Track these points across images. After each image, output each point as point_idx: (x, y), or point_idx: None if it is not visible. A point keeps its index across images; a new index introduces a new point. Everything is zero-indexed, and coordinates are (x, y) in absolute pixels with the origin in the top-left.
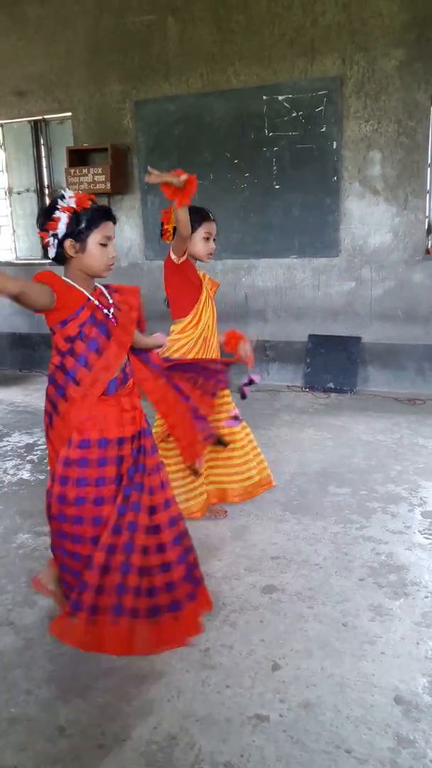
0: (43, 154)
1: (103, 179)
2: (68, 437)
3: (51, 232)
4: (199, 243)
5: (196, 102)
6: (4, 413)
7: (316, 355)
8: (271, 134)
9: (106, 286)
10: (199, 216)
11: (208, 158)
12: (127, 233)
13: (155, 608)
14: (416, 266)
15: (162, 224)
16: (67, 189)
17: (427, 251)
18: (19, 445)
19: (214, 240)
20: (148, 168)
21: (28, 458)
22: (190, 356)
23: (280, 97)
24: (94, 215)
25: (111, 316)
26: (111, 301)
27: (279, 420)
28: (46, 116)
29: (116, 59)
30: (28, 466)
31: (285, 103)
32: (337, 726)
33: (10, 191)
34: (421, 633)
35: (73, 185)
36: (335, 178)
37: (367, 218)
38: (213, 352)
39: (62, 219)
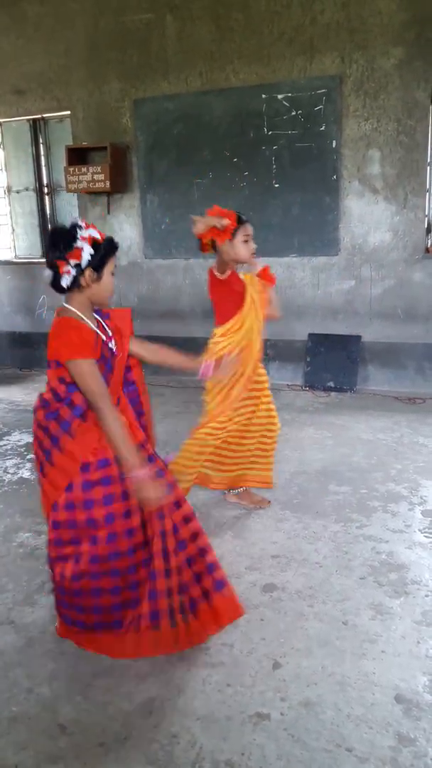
0: (42, 152)
1: (102, 178)
2: (73, 470)
3: (73, 262)
4: (240, 247)
5: (195, 100)
6: (4, 412)
7: (316, 354)
8: (270, 133)
9: (97, 311)
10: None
11: (207, 157)
12: (126, 232)
13: (191, 602)
14: (416, 265)
15: (200, 240)
16: (78, 219)
17: (427, 250)
18: (20, 444)
19: (252, 240)
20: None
21: (28, 457)
22: (233, 340)
23: (280, 96)
24: (107, 246)
25: (113, 349)
26: (109, 333)
27: (279, 419)
28: (45, 115)
29: (115, 58)
30: (29, 465)
31: (284, 102)
32: (338, 724)
33: (9, 190)
34: (422, 632)
35: (72, 184)
36: (334, 176)
37: (367, 217)
38: (254, 355)
39: (85, 249)
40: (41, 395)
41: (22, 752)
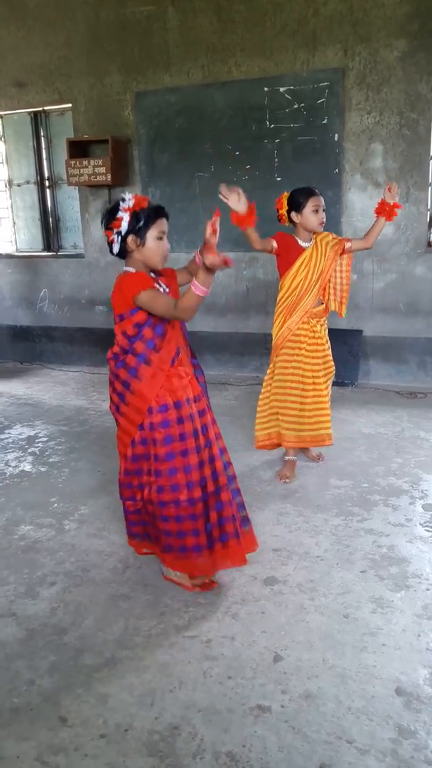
0: (43, 145)
1: (104, 171)
2: (145, 408)
3: (115, 230)
4: (310, 216)
5: (196, 93)
6: (5, 406)
7: None
8: (272, 126)
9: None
10: (305, 193)
11: (209, 150)
12: None
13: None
14: (418, 259)
15: (277, 210)
16: (127, 193)
17: (429, 244)
18: (21, 437)
19: (323, 210)
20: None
21: (29, 450)
22: (285, 303)
23: (282, 89)
24: (150, 213)
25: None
26: (165, 288)
27: None
28: (46, 107)
29: (116, 50)
30: (30, 458)
31: (286, 95)
32: (339, 717)
33: (10, 183)
34: (422, 625)
35: (73, 177)
36: (337, 170)
37: (369, 210)
38: (304, 307)
39: (125, 218)
40: (111, 348)
41: (23, 743)
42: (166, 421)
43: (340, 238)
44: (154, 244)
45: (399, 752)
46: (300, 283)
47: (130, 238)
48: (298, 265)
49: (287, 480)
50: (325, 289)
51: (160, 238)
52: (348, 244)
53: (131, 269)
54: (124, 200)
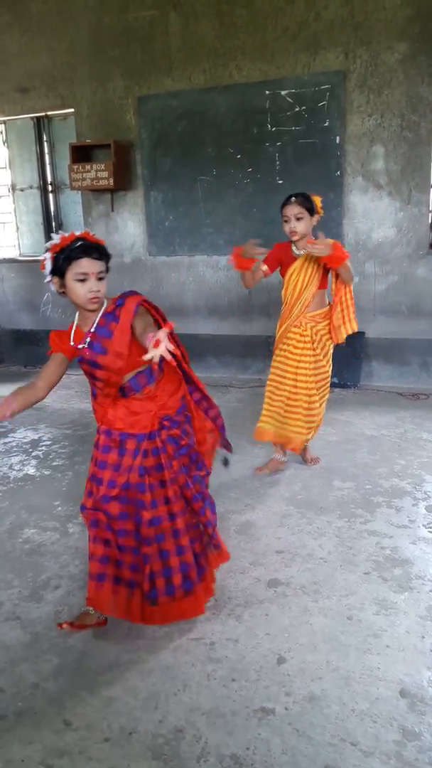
0: (46, 150)
1: (106, 175)
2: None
3: (44, 272)
4: (283, 225)
5: (198, 97)
6: None
7: None
8: (273, 129)
9: (121, 298)
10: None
11: (211, 153)
12: (130, 229)
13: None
14: (420, 261)
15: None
16: (59, 233)
17: (431, 246)
18: (25, 441)
19: (298, 219)
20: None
21: (33, 454)
22: (282, 311)
23: (283, 92)
24: (69, 253)
25: (100, 345)
26: (104, 327)
27: None
28: (48, 112)
29: (119, 55)
30: (34, 462)
31: (288, 98)
32: (343, 719)
33: (13, 188)
34: (426, 627)
35: (76, 181)
36: (338, 172)
37: (371, 213)
38: (296, 314)
39: (47, 260)
40: None
41: (28, 747)
42: (106, 446)
43: (337, 248)
44: (74, 287)
45: (403, 754)
46: (291, 293)
47: (54, 281)
48: (288, 274)
49: (259, 472)
50: (332, 310)
51: (81, 281)
52: (331, 264)
53: (76, 314)
54: (52, 238)
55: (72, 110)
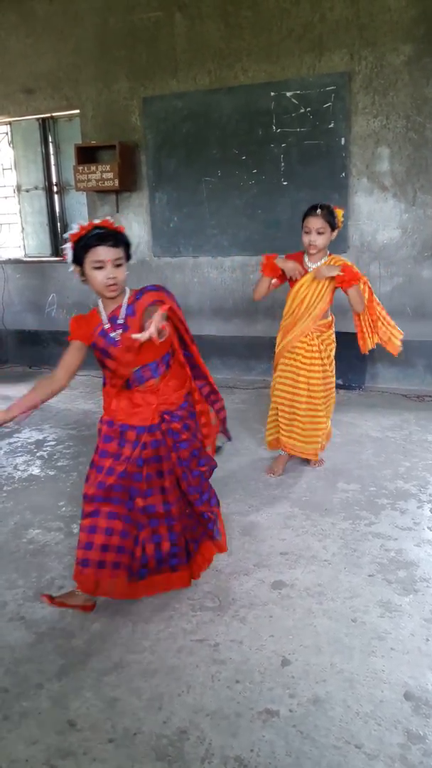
0: (51, 151)
1: (111, 176)
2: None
3: (66, 261)
4: (303, 237)
5: (203, 98)
6: None
7: None
8: (278, 130)
9: (141, 291)
10: (305, 212)
11: (216, 155)
12: (135, 230)
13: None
14: (425, 262)
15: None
16: (77, 222)
17: None
18: (29, 441)
19: (319, 233)
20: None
21: (38, 454)
22: (285, 322)
23: (288, 93)
24: (86, 241)
25: (115, 337)
26: (124, 316)
27: None
28: (54, 114)
29: (124, 56)
30: (38, 462)
31: (293, 99)
32: (347, 721)
33: (18, 189)
34: (431, 629)
35: (81, 182)
36: (343, 174)
37: (376, 214)
38: (301, 328)
39: (68, 248)
40: None
41: (32, 747)
42: (107, 436)
43: (348, 270)
44: (93, 274)
45: (408, 758)
46: (298, 306)
47: (75, 269)
48: (297, 286)
49: (273, 474)
50: (360, 328)
51: (98, 268)
52: (342, 285)
53: (99, 299)
54: (72, 228)
55: (77, 111)
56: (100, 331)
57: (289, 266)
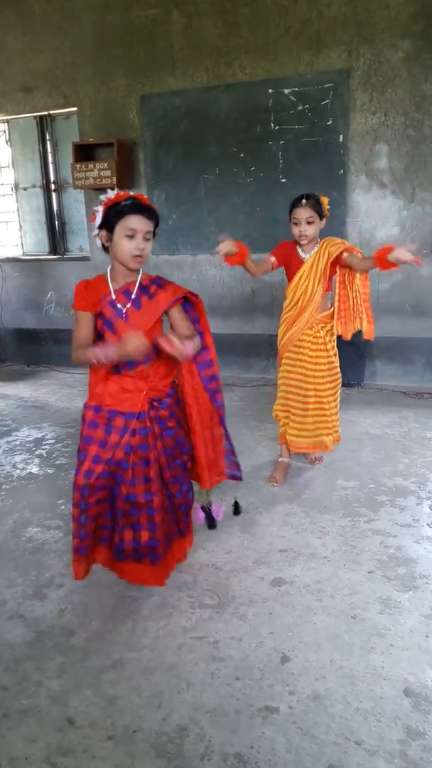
0: (49, 149)
1: (109, 174)
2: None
3: (93, 224)
4: (292, 228)
5: (201, 96)
6: (12, 408)
7: None
8: (277, 128)
9: (157, 279)
10: (292, 203)
11: (214, 152)
12: None
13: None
14: (424, 260)
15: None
16: (115, 188)
17: None
18: (28, 439)
19: (309, 223)
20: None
21: (36, 453)
22: (288, 314)
23: (286, 91)
24: (122, 208)
25: (124, 311)
26: (132, 297)
27: None
28: (51, 111)
29: (122, 54)
30: (37, 461)
31: (291, 97)
32: (347, 718)
33: (16, 187)
34: (430, 625)
35: (79, 180)
36: (342, 171)
37: (374, 211)
38: (306, 318)
39: (99, 211)
40: None
41: (32, 745)
42: (93, 422)
43: (345, 246)
44: (121, 242)
45: (408, 753)
46: (301, 297)
47: (102, 233)
48: (297, 278)
49: (275, 484)
50: (340, 309)
51: (130, 237)
52: (345, 254)
53: (108, 269)
54: (107, 193)
55: (75, 109)
56: (109, 301)
57: (228, 248)
